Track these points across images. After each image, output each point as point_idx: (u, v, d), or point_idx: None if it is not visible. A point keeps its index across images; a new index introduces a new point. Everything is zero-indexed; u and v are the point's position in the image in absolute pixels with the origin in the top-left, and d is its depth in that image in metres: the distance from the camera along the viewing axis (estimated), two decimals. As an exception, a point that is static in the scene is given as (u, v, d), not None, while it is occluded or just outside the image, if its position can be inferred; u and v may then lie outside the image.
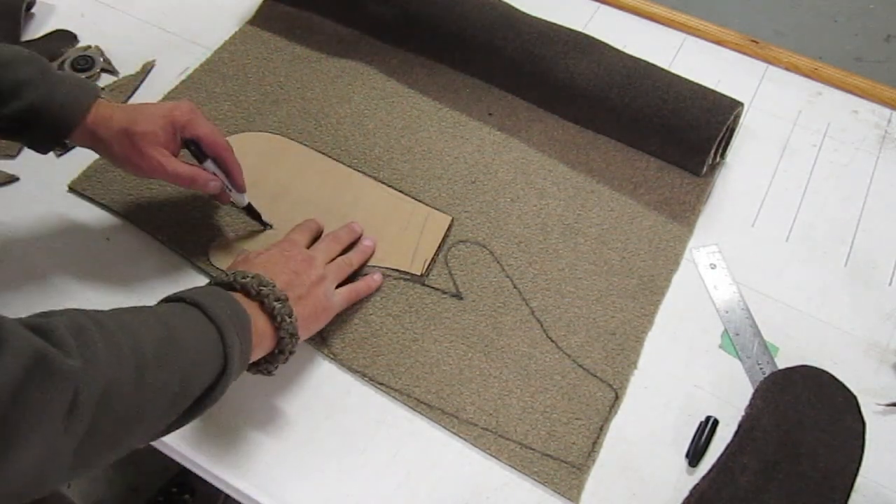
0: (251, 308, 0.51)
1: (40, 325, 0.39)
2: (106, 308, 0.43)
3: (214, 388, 0.47)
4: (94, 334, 0.40)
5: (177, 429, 0.47)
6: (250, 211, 0.66)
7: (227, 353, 0.47)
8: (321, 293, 0.57)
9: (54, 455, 0.38)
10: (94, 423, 0.39)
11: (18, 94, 0.55)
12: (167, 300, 0.50)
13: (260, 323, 0.51)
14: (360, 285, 0.63)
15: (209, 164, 0.62)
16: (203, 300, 0.48)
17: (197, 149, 0.61)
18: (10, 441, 0.35)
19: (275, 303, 0.52)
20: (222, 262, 0.65)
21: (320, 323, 0.58)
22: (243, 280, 0.52)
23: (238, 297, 0.51)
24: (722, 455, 0.55)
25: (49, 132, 0.57)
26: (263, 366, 0.54)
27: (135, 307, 0.47)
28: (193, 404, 0.47)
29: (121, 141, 0.58)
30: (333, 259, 0.62)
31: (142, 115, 0.58)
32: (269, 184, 0.70)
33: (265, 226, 0.67)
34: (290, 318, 0.52)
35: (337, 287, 0.60)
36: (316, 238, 0.65)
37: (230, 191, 0.63)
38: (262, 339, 0.51)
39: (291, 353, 0.54)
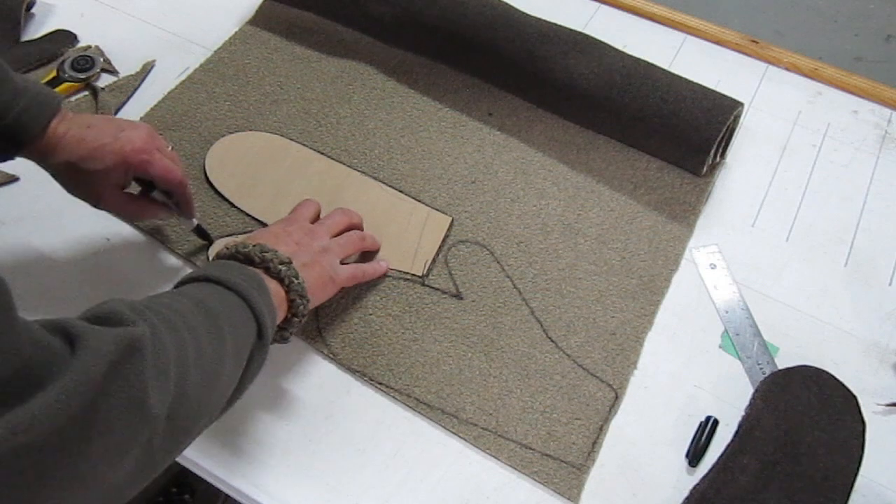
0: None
1: (97, 313, 0.39)
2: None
3: (257, 353, 0.48)
4: (146, 311, 0.40)
5: (234, 403, 0.48)
6: (199, 232, 0.64)
7: (256, 314, 0.47)
8: (326, 263, 0.57)
9: (152, 437, 0.38)
10: (178, 391, 0.39)
11: None
12: (179, 284, 0.49)
13: (272, 287, 0.51)
14: (367, 266, 0.63)
15: (157, 193, 0.61)
16: (215, 273, 0.48)
17: (145, 182, 0.60)
18: (111, 437, 0.35)
19: (280, 266, 0.51)
20: (222, 262, 0.65)
21: (327, 293, 0.58)
22: (245, 250, 0.52)
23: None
24: (722, 455, 0.55)
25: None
26: (278, 332, 0.53)
27: (157, 294, 0.47)
28: (244, 372, 0.47)
29: (68, 173, 0.56)
30: (339, 234, 0.62)
31: (91, 151, 0.55)
32: (269, 183, 0.70)
33: (211, 242, 0.66)
34: (297, 279, 0.52)
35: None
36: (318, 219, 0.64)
37: (179, 216, 0.63)
38: (278, 303, 0.51)
39: (304, 315, 0.54)
